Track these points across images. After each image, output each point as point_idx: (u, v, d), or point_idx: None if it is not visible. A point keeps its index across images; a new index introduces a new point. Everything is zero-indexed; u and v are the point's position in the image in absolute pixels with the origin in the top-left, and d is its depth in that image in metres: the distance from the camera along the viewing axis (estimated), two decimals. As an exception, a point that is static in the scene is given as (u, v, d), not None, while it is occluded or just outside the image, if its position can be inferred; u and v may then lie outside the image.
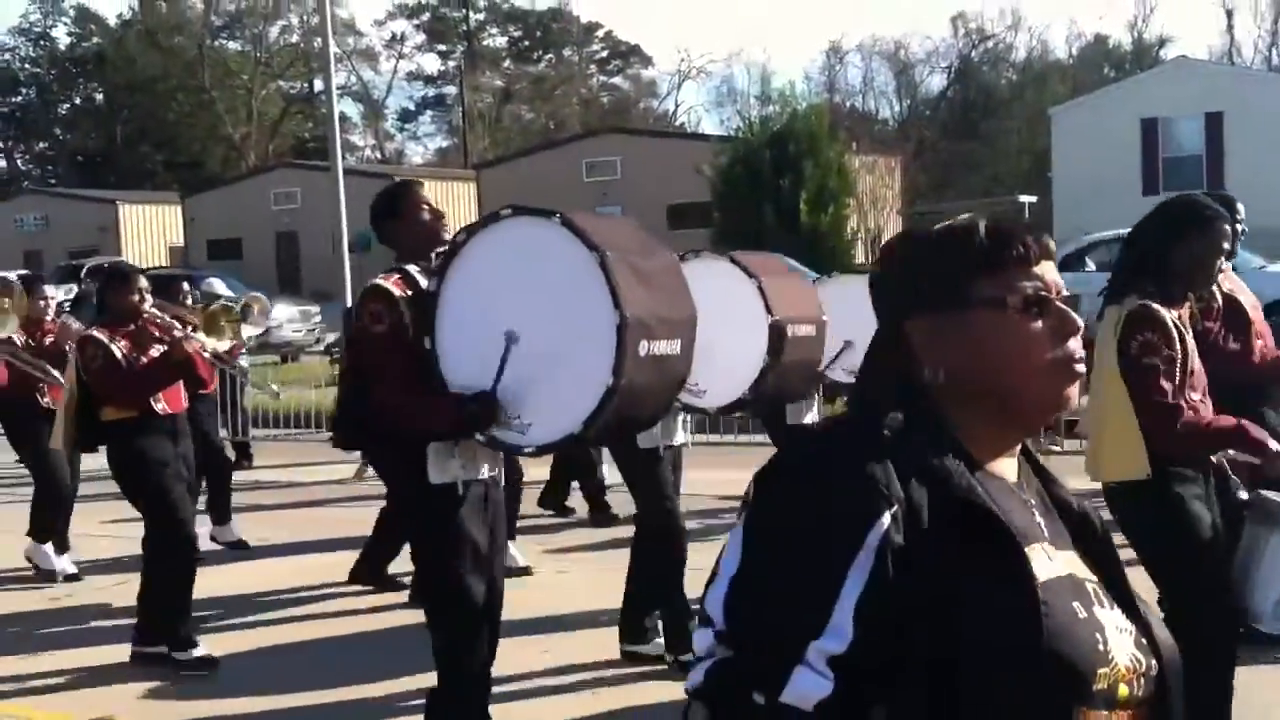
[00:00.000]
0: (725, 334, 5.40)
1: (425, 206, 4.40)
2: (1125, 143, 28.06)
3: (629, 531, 8.57)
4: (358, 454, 11.54)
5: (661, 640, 5.76)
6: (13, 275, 8.64)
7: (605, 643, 5.95)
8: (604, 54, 74.01)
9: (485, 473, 4.20)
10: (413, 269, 4.24)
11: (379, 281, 4.18)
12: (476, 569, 4.11)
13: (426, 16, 72.04)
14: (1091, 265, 17.18)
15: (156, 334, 6.20)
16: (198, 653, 5.98)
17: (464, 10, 72.35)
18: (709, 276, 5.58)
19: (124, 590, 7.13)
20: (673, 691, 5.29)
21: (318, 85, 61.55)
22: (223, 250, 44.83)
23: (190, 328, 6.48)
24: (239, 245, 44.64)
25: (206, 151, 65.96)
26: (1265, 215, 23.45)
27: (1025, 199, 31.53)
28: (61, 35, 69.99)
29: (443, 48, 72.28)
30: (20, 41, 69.32)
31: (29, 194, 55.72)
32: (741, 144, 29.04)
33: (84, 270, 31.74)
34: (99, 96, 69.13)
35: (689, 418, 6.24)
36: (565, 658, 5.93)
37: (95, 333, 6.11)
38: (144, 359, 6.11)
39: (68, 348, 6.97)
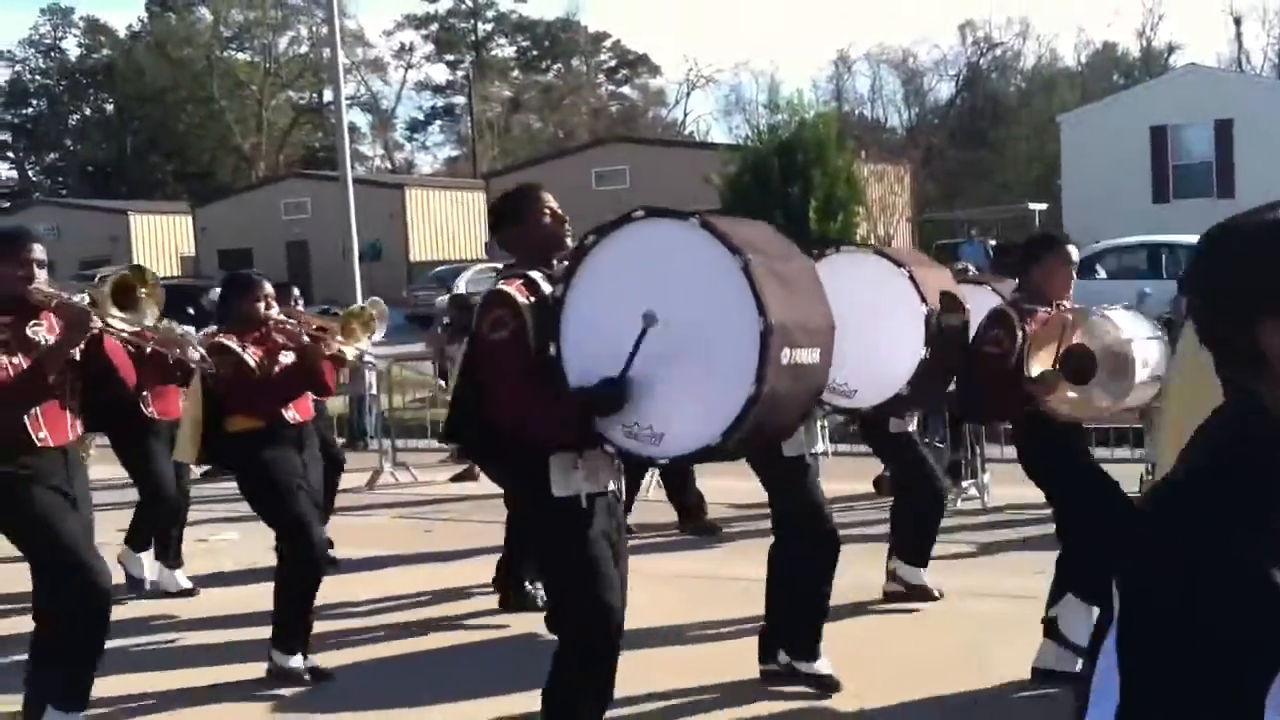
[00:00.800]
0: (879, 329, 5.20)
1: (548, 210, 4.26)
2: (1135, 150, 28.03)
3: (667, 538, 8.55)
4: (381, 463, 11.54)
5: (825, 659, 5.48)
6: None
7: (702, 659, 5.84)
8: (612, 63, 74.21)
9: (608, 485, 4.07)
10: (536, 275, 4.07)
11: (503, 287, 4.01)
12: (603, 584, 3.96)
13: (435, 27, 72.27)
14: (1102, 273, 17.16)
15: (283, 340, 5.97)
16: (294, 662, 5.80)
17: (472, 20, 72.55)
18: (855, 269, 5.47)
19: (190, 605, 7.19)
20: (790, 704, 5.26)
21: (327, 95, 61.73)
22: (233, 260, 44.85)
23: (319, 332, 6.17)
24: (249, 255, 44.72)
25: (216, 161, 66.17)
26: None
27: (1035, 206, 31.49)
28: (71, 47, 70.42)
29: (451, 58, 72.52)
30: (31, 53, 69.71)
31: (40, 205, 55.93)
32: (750, 152, 29.00)
33: (96, 279, 31.78)
34: (109, 107, 69.41)
35: (827, 424, 6.01)
36: (671, 677, 5.61)
37: (224, 339, 5.84)
38: (276, 367, 5.89)
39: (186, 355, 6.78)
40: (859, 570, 6.50)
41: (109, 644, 4.79)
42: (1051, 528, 6.49)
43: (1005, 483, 8.75)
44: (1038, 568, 6.36)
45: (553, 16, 72.65)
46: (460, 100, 70.14)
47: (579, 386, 3.84)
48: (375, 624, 6.81)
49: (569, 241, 4.18)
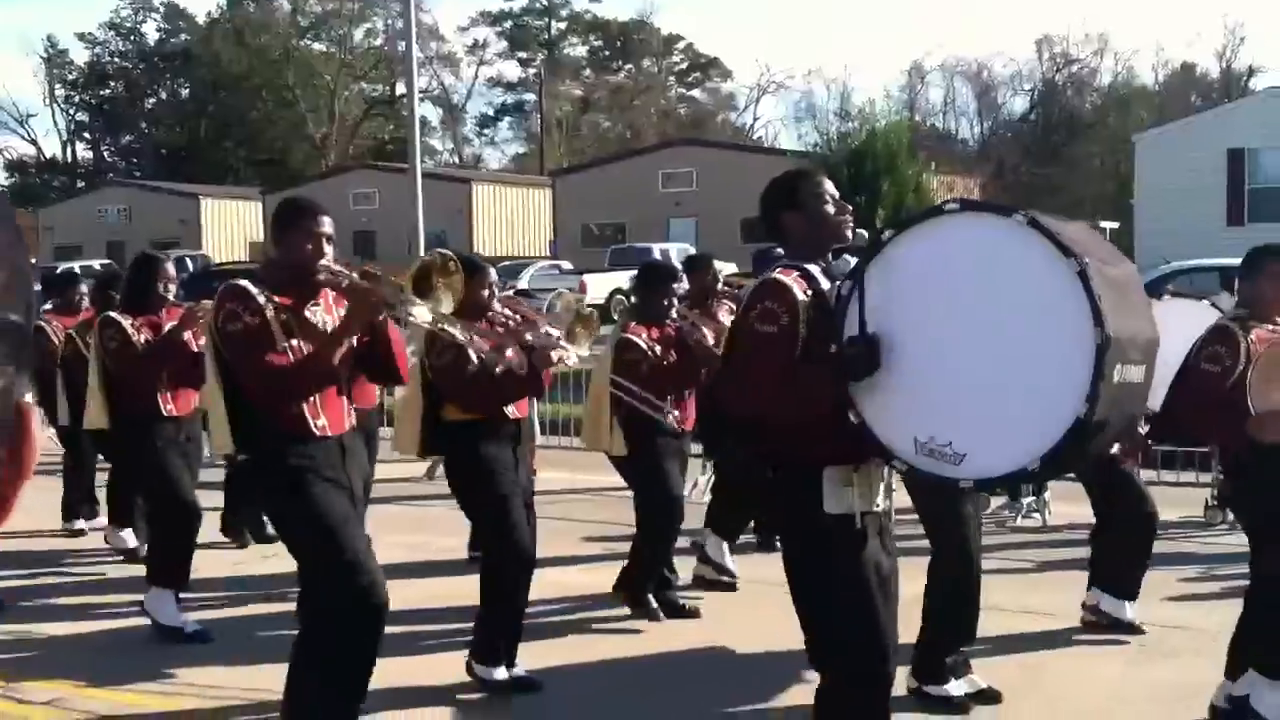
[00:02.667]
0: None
1: (829, 198, 3.82)
2: (1211, 172, 27.59)
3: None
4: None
5: (960, 682, 5.28)
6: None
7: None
8: (684, 66, 74.19)
9: (881, 504, 3.72)
10: (813, 268, 3.71)
11: (780, 277, 3.63)
12: (873, 609, 3.59)
13: (508, 24, 72.64)
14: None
15: (504, 335, 5.42)
16: (498, 674, 5.44)
17: (546, 19, 72.82)
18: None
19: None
20: None
21: (399, 88, 62.20)
22: (300, 247, 45.34)
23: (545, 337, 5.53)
24: (316, 243, 45.08)
25: (288, 149, 66.88)
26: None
27: (1107, 225, 31.08)
28: (151, 31, 71.47)
29: (523, 55, 72.85)
30: (111, 36, 70.82)
31: (113, 186, 56.83)
32: (819, 160, 28.94)
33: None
34: (185, 92, 70.37)
35: None
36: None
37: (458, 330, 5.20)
38: (498, 365, 5.29)
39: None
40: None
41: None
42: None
43: (1064, 500, 8.61)
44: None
45: (626, 17, 72.84)
46: (530, 98, 70.46)
47: (835, 351, 3.48)
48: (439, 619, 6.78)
49: (849, 234, 3.83)
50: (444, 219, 40.52)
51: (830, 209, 3.79)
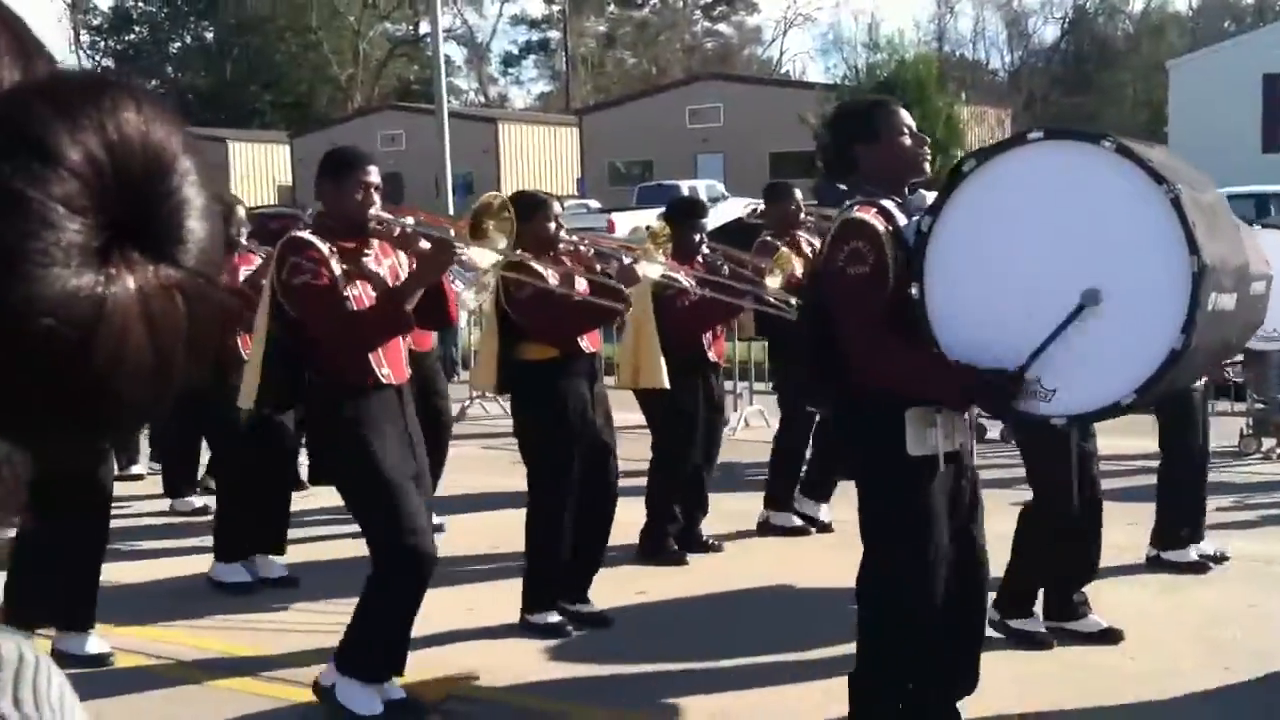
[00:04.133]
0: None
1: (907, 130, 3.71)
2: (1246, 98, 27.22)
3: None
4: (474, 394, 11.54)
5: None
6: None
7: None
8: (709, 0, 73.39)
9: (962, 443, 3.66)
10: (888, 203, 3.60)
11: (860, 215, 3.51)
12: (936, 550, 3.56)
13: (532, -40, 71.91)
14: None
15: (573, 265, 5.37)
16: (553, 619, 5.40)
17: (570, -46, 72.12)
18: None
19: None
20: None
21: (423, 28, 61.83)
22: (328, 190, 45.37)
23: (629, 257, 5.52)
24: (344, 185, 45.08)
25: (313, 92, 66.69)
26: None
27: (1139, 154, 30.77)
28: (175, -26, 71.06)
29: (548, -9, 72.19)
30: (134, -20, 70.50)
31: (141, 131, 56.76)
32: (847, 92, 28.64)
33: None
34: (209, 35, 70.13)
35: None
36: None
37: (532, 262, 5.12)
38: (574, 294, 5.26)
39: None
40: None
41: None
42: (1148, 479, 6.40)
43: (1104, 433, 8.58)
44: (1130, 519, 6.28)
45: (650, -49, 71.91)
46: (555, 35, 69.91)
47: (967, 365, 3.35)
48: (469, 556, 6.84)
49: (927, 167, 3.73)
50: (471, 159, 40.42)
51: (907, 141, 3.70)
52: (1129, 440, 6.61)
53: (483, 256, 4.41)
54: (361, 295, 4.31)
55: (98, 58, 71.40)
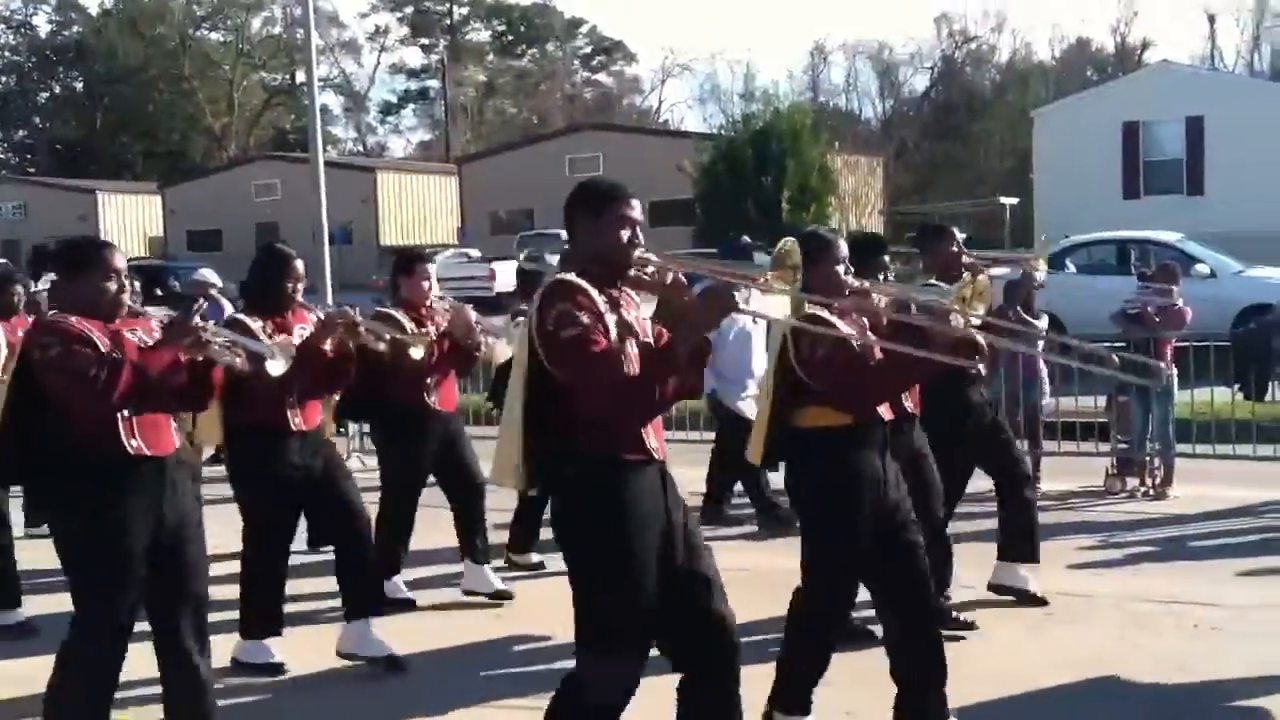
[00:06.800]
0: None
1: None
2: (1107, 146, 28.09)
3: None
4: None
5: None
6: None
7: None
8: (588, 49, 74.03)
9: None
10: None
11: None
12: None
13: (409, 9, 71.88)
14: (1072, 268, 17.21)
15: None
16: None
17: (447, 4, 72.19)
18: None
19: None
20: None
21: (299, 77, 61.36)
22: (202, 241, 44.65)
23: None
24: (219, 236, 44.45)
25: (187, 142, 65.74)
26: (1243, 220, 23.55)
27: (1007, 200, 31.60)
28: (42, 23, 69.72)
29: (426, 41, 72.16)
30: (1, 29, 68.97)
31: (7, 183, 55.47)
32: (724, 141, 29.12)
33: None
34: (79, 85, 68.80)
35: None
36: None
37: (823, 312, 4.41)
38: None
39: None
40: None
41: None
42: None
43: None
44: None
45: (528, 1, 72.32)
46: (434, 84, 69.87)
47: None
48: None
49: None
50: (349, 208, 40.10)
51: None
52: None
53: (769, 306, 3.86)
54: (632, 353, 3.62)
55: (-39, 108, 69.62)
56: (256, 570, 5.66)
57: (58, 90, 70.24)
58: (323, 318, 5.63)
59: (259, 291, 5.62)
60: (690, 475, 8.44)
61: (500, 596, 6.74)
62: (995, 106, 55.24)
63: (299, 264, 5.61)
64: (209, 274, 12.44)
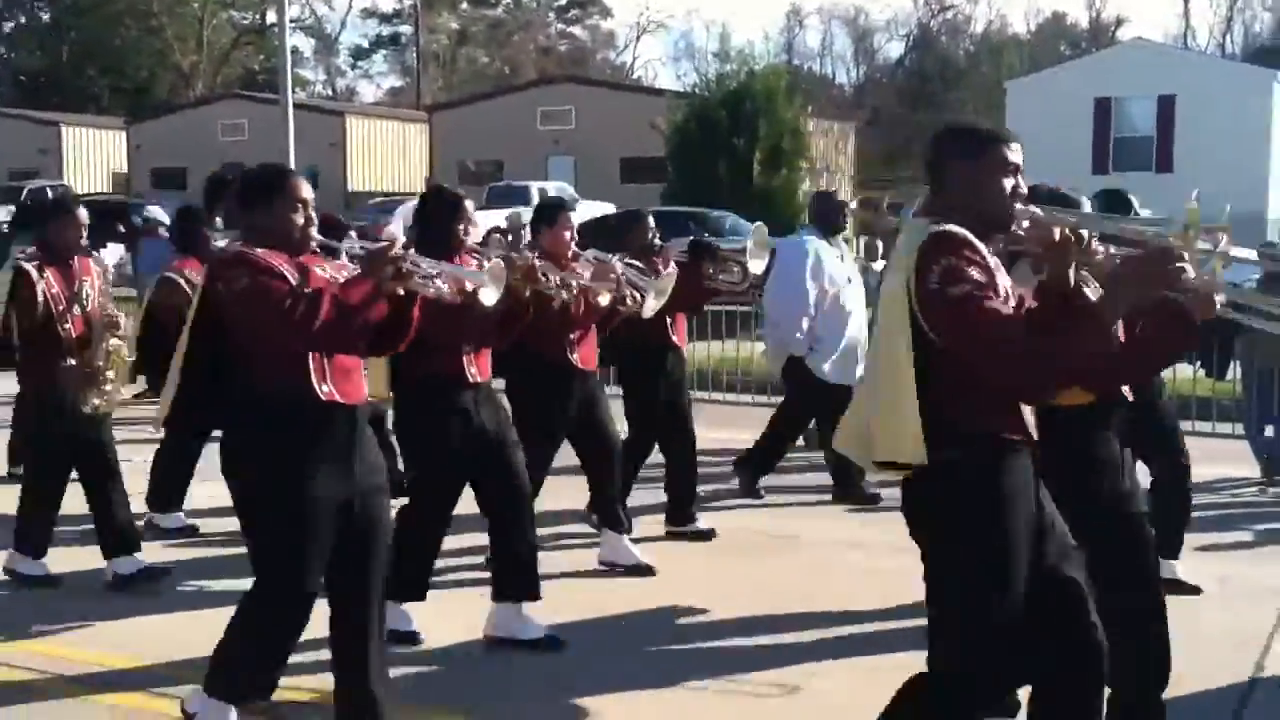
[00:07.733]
0: None
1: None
2: (1078, 121, 28.22)
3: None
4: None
5: None
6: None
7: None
8: (563, 2, 73.41)
9: None
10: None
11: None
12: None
13: (385, -47, 71.08)
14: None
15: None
16: None
17: (423, -51, 71.43)
18: None
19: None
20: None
21: (270, 17, 60.60)
22: (168, 178, 44.12)
23: None
24: (184, 174, 43.94)
25: (154, 78, 64.85)
26: (1211, 199, 23.74)
27: (976, 171, 31.66)
28: (9, -49, 68.42)
29: (399, -15, 71.39)
30: (-35, -44, 67.69)
31: (-31, 112, 54.57)
32: (698, 100, 28.94)
33: (24, 193, 31.18)
34: (45, 16, 67.67)
35: None
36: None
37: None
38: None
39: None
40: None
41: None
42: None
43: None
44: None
45: (505, -50, 71.62)
46: (406, 30, 69.11)
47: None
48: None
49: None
50: (317, 152, 39.71)
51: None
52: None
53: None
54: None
55: (-77, 33, 68.42)
56: (413, 529, 5.13)
57: (23, 20, 69.08)
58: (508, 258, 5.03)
59: (430, 234, 5.13)
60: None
61: (640, 571, 6.28)
62: (969, 76, 55.36)
63: (470, 205, 5.21)
64: (157, 211, 12.60)
